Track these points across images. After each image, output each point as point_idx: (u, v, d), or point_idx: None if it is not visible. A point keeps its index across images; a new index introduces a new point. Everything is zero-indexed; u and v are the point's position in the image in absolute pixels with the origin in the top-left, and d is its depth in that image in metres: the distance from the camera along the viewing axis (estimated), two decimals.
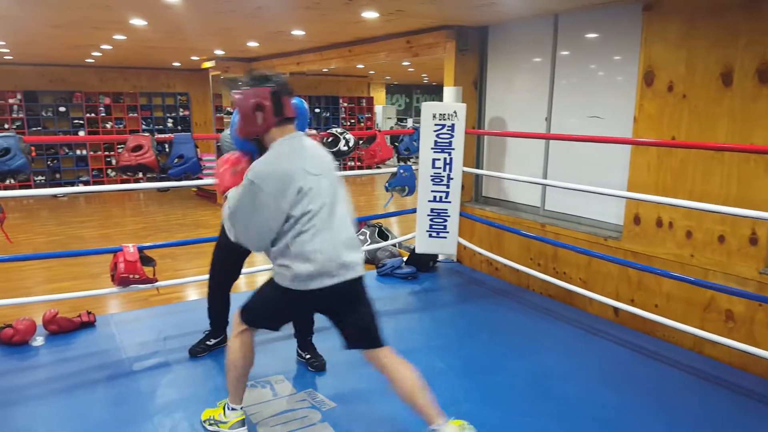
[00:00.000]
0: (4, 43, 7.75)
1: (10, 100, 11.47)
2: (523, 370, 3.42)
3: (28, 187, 11.24)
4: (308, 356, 3.43)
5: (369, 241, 6.78)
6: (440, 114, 4.70)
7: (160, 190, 11.07)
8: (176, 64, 11.56)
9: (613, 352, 3.73)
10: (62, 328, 3.83)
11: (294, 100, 2.54)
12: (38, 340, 3.72)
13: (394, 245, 6.52)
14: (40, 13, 5.22)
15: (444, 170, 4.76)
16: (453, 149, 4.70)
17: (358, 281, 2.51)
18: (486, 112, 5.56)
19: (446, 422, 2.40)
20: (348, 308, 2.52)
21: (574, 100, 4.72)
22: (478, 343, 3.83)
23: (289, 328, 3.81)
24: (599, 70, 4.55)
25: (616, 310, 4.14)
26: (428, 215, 4.92)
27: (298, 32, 6.33)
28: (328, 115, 15.16)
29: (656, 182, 3.87)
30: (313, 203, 2.31)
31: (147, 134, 3.84)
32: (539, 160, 5.00)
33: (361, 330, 2.55)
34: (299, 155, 2.36)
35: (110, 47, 8.18)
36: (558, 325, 4.17)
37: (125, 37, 6.96)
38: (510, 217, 5.08)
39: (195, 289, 5.15)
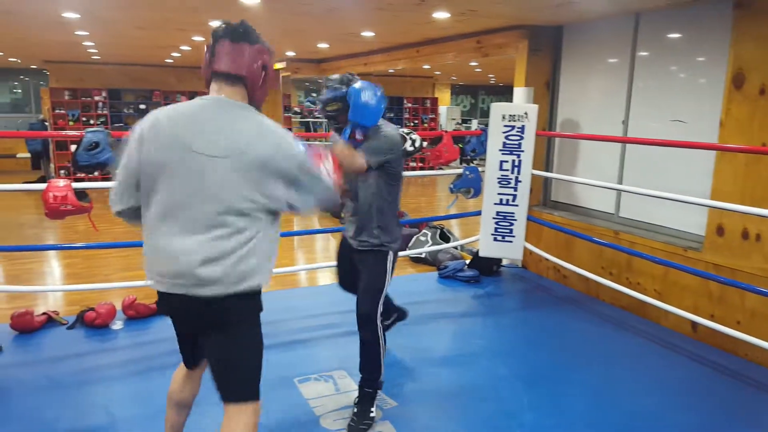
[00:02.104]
0: (93, 43, 8.21)
1: (96, 98, 12.15)
2: (590, 381, 3.32)
3: (110, 179, 11.89)
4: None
5: (430, 242, 6.76)
6: (510, 115, 4.62)
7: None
8: None
9: (690, 369, 3.55)
10: (140, 314, 4.02)
11: (350, 87, 2.56)
12: (117, 324, 3.91)
13: (455, 248, 6.47)
14: (130, 15, 5.50)
15: (512, 172, 4.68)
16: (522, 151, 4.62)
17: (213, 303, 1.80)
18: (558, 113, 5.43)
19: None
20: (205, 333, 1.92)
21: (654, 103, 4.53)
22: (544, 351, 3.74)
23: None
24: (681, 71, 4.36)
25: (694, 324, 3.94)
26: (494, 218, 4.85)
27: (367, 33, 6.39)
28: (392, 115, 15.22)
29: (743, 191, 3.65)
30: (162, 188, 1.77)
31: None
32: (614, 165, 4.83)
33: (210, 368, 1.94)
34: (189, 121, 1.79)
35: (189, 48, 8.52)
36: (629, 338, 4.01)
37: (203, 39, 7.23)
38: (581, 222, 4.93)
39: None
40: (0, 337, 3.61)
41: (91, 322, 3.87)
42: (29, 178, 11.46)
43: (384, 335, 2.84)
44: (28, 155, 12.37)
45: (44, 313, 3.94)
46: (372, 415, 2.80)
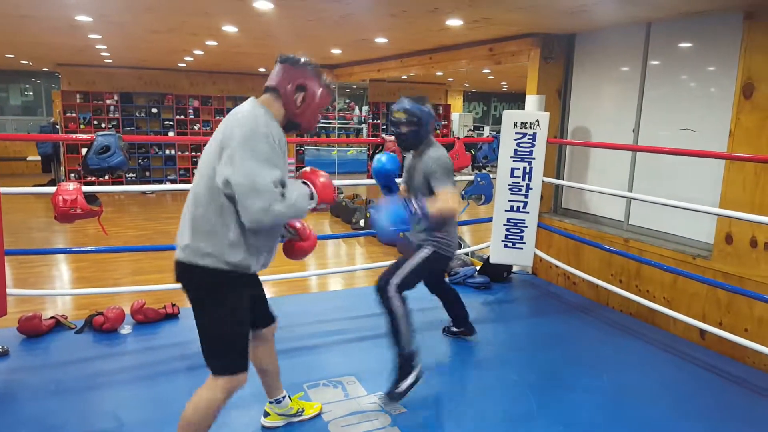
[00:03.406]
0: (105, 46, 8.29)
1: (108, 101, 12.25)
2: (599, 388, 3.30)
3: (120, 183, 11.97)
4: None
5: None
6: (522, 122, 4.62)
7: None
8: (262, 69, 11.96)
9: (698, 377, 3.53)
10: (148, 318, 4.03)
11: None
12: (126, 329, 3.93)
13: (466, 254, 6.46)
14: (143, 19, 5.55)
15: (523, 180, 4.68)
16: (534, 158, 4.61)
17: (180, 267, 2.13)
18: (569, 121, 5.43)
19: None
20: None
21: (665, 112, 4.52)
22: (554, 357, 3.72)
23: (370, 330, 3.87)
24: (692, 81, 4.35)
25: (702, 332, 3.92)
26: (504, 225, 4.85)
27: (381, 40, 6.42)
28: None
29: (752, 200, 3.64)
30: None
31: None
32: (624, 173, 4.82)
33: None
34: None
35: (201, 53, 8.58)
36: (638, 345, 4.00)
37: (216, 43, 7.29)
38: (591, 230, 4.91)
39: (270, 287, 5.29)
40: (7, 341, 3.61)
41: (100, 327, 3.87)
42: (39, 181, 11.58)
43: (403, 307, 2.96)
44: (39, 158, 12.49)
45: (52, 317, 3.95)
46: (403, 387, 2.96)
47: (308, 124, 2.23)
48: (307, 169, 2.33)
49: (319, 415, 2.90)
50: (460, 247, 5.78)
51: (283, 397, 2.77)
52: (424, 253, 3.13)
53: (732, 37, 3.85)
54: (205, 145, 2.18)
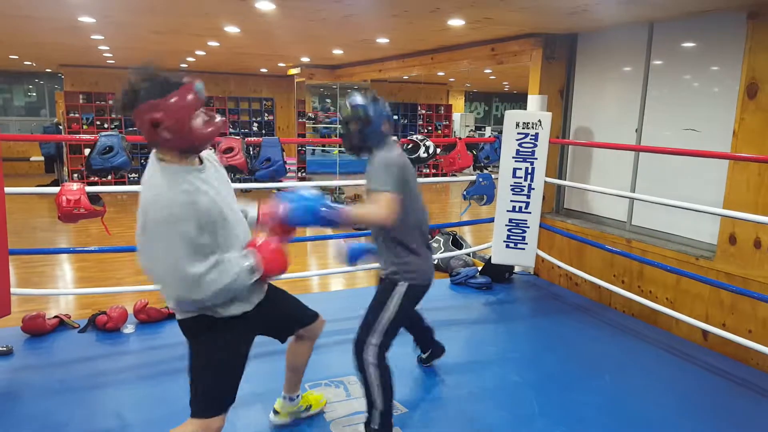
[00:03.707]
0: (108, 47, 8.30)
1: (110, 101, 12.26)
2: (601, 389, 3.30)
3: (123, 183, 11.99)
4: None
5: (443, 249, 6.75)
6: (524, 123, 4.62)
7: (243, 190, 11.49)
8: (263, 70, 11.98)
9: (700, 378, 3.52)
10: (151, 318, 4.04)
11: None
12: (129, 328, 3.94)
13: (468, 254, 6.45)
14: (146, 20, 5.56)
15: (525, 180, 4.68)
16: (536, 159, 4.61)
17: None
18: (572, 121, 5.42)
19: None
20: None
21: (668, 112, 4.51)
22: (556, 358, 3.72)
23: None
24: (695, 80, 4.34)
25: (705, 333, 3.92)
26: (506, 225, 4.84)
27: (382, 40, 6.42)
28: (406, 122, 15.24)
29: (756, 201, 3.63)
30: None
31: (238, 137, 4.00)
32: (627, 173, 4.81)
33: None
34: None
35: (204, 53, 8.59)
36: (641, 346, 3.99)
37: (218, 44, 7.29)
38: (593, 230, 4.91)
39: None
40: (11, 340, 3.63)
41: (103, 326, 3.89)
42: (43, 181, 11.59)
43: (381, 377, 2.60)
44: (42, 158, 12.50)
45: (56, 316, 3.97)
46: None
47: (199, 139, 1.92)
48: (259, 238, 2.12)
49: (321, 411, 2.92)
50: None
51: (297, 396, 2.79)
52: (399, 292, 2.63)
53: (736, 36, 3.84)
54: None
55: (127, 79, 1.89)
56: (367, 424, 2.67)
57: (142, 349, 3.68)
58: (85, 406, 2.96)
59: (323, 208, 2.26)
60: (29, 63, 11.76)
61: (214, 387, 2.14)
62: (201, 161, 2.04)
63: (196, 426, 2.11)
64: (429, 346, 3.43)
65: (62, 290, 5.34)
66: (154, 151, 1.97)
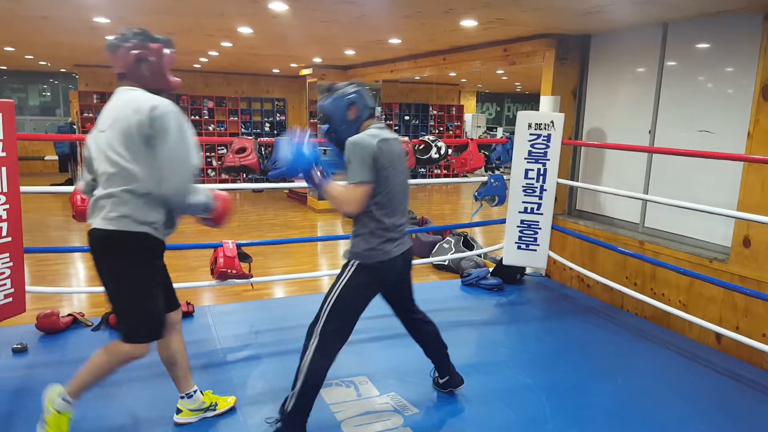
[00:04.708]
0: None
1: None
2: (613, 392, 3.28)
3: None
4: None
5: (453, 249, 6.74)
6: (536, 123, 4.60)
7: (254, 190, 11.55)
8: (276, 70, 12.03)
9: (714, 381, 3.50)
10: None
11: None
12: None
13: (479, 255, 6.44)
14: (160, 20, 5.61)
15: (537, 181, 4.66)
16: (548, 160, 4.59)
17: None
18: (584, 122, 5.40)
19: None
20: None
21: (681, 113, 4.48)
22: (567, 360, 3.70)
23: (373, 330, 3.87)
24: (709, 82, 4.31)
25: (718, 336, 3.88)
26: (518, 226, 4.83)
27: (394, 40, 6.42)
28: (417, 122, 15.23)
29: None
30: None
31: (251, 137, 4.02)
32: (640, 175, 4.78)
33: None
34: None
35: (217, 53, 8.64)
36: (653, 349, 3.96)
37: (231, 44, 7.33)
38: (605, 232, 4.88)
39: (283, 287, 5.32)
40: (26, 338, 3.67)
41: (116, 324, 3.92)
42: (57, 180, 11.71)
43: (313, 362, 2.51)
44: (56, 158, 12.62)
45: (70, 315, 4.00)
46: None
47: (166, 85, 2.41)
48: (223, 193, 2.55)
49: (233, 408, 2.88)
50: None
51: (195, 392, 2.77)
52: (347, 271, 2.56)
53: (751, 37, 3.81)
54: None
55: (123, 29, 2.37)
56: (283, 404, 2.60)
57: (155, 347, 3.67)
58: (98, 403, 2.98)
59: (312, 172, 2.41)
60: (44, 63, 11.88)
61: (134, 309, 2.41)
62: None
63: (129, 349, 2.40)
64: (446, 372, 3.11)
65: (76, 288, 5.39)
66: (127, 87, 2.36)
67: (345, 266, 2.59)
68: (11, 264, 3.08)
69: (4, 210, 2.99)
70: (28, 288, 3.38)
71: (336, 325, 2.54)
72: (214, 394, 2.90)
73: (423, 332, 3.01)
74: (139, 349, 2.40)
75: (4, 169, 2.96)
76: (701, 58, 4.35)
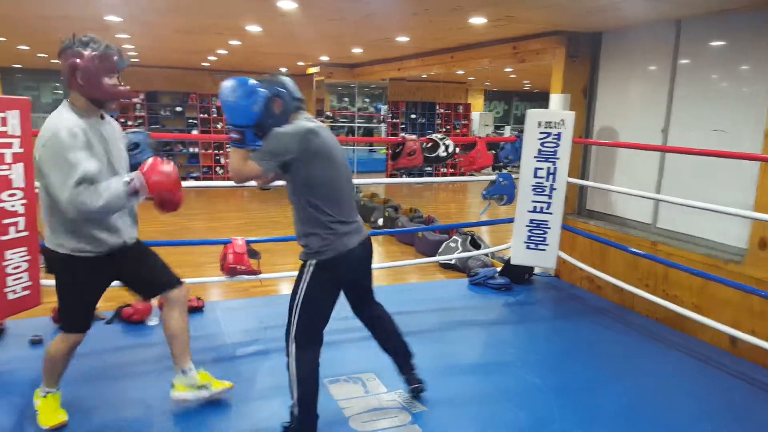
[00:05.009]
0: (133, 46, 8.40)
1: (134, 100, 12.43)
2: (623, 393, 3.24)
3: None
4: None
5: (460, 249, 6.72)
6: (546, 122, 4.57)
7: (261, 188, 11.56)
8: (283, 69, 12.03)
9: (727, 385, 3.45)
10: None
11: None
12: (153, 320, 3.97)
13: (486, 255, 6.42)
14: (172, 19, 5.62)
15: (547, 180, 4.62)
16: (558, 159, 4.56)
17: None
18: (595, 121, 5.35)
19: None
20: None
21: (695, 112, 4.43)
22: (577, 361, 3.67)
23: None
24: (724, 80, 4.26)
25: (733, 339, 3.83)
26: (527, 226, 4.79)
27: (402, 38, 6.40)
28: (424, 121, 15.21)
29: None
30: None
31: None
32: (653, 174, 4.74)
33: None
34: None
35: (225, 52, 8.65)
36: (664, 351, 3.92)
37: (240, 43, 7.34)
38: (616, 232, 4.84)
39: (291, 284, 5.30)
40: (42, 330, 3.70)
41: (129, 318, 3.95)
42: None
43: (299, 368, 2.50)
44: None
45: None
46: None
47: (102, 94, 2.43)
48: (148, 161, 2.44)
49: (227, 390, 2.90)
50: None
51: (190, 369, 2.82)
52: (306, 272, 2.53)
53: (767, 35, 3.76)
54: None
55: (72, 33, 2.40)
56: (291, 414, 2.58)
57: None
58: (111, 394, 3.01)
59: (233, 130, 2.44)
60: (56, 61, 11.93)
61: (67, 307, 2.63)
62: (103, 117, 2.53)
63: (62, 338, 2.64)
64: (404, 371, 3.00)
65: None
66: (67, 99, 2.44)
67: (303, 267, 2.55)
68: (29, 258, 3.11)
69: (21, 205, 3.01)
70: (42, 281, 3.39)
71: (308, 327, 2.53)
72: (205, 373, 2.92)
73: (382, 328, 2.95)
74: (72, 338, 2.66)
75: (21, 165, 2.99)
76: (716, 56, 4.30)
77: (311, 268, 2.51)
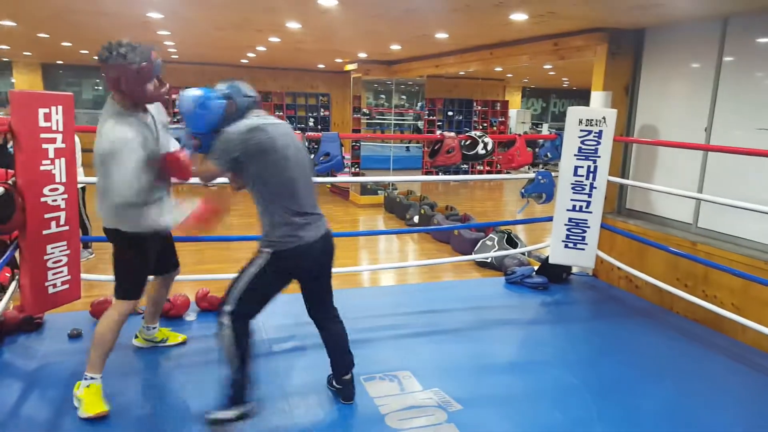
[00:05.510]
0: (173, 42, 8.57)
1: (173, 96, 12.65)
2: (663, 395, 3.19)
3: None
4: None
5: (497, 247, 6.68)
6: (587, 120, 4.50)
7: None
8: (321, 66, 12.12)
9: None
10: (212, 306, 4.14)
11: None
12: (191, 315, 4.05)
13: (523, 253, 6.36)
14: (212, 15, 5.72)
15: (587, 178, 4.56)
16: (599, 157, 4.49)
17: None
18: (637, 119, 5.25)
19: None
20: None
21: (740, 111, 4.31)
22: (615, 362, 3.62)
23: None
24: None
25: None
26: (566, 225, 4.74)
27: (441, 35, 6.38)
28: (461, 118, 15.12)
29: None
30: None
31: (298, 132, 4.05)
32: (695, 173, 4.63)
33: None
34: None
35: (264, 49, 8.76)
36: (704, 352, 3.84)
37: (279, 40, 7.42)
38: (656, 232, 4.75)
39: None
40: (81, 324, 3.77)
41: (166, 313, 4.00)
42: None
43: (235, 342, 2.54)
44: None
45: None
46: (219, 416, 2.57)
47: (144, 100, 2.69)
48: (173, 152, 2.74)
49: (183, 343, 3.49)
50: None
51: (154, 327, 3.43)
52: (259, 260, 2.57)
53: None
54: None
55: (110, 41, 2.59)
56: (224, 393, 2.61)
57: (203, 336, 3.77)
58: (150, 388, 3.08)
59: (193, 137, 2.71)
60: (97, 58, 12.27)
61: (124, 275, 2.87)
62: (146, 110, 2.75)
63: (117, 306, 2.85)
64: (339, 381, 2.96)
65: None
66: (111, 97, 2.67)
67: (258, 254, 2.60)
68: (68, 252, 3.19)
69: (62, 200, 3.08)
70: (82, 276, 3.49)
71: (249, 309, 2.60)
72: (171, 331, 3.55)
73: (333, 333, 2.92)
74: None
75: (63, 160, 3.06)
76: (762, 54, 4.17)
77: (267, 257, 2.57)
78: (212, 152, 2.55)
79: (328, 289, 2.91)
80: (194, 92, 2.60)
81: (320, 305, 2.91)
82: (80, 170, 4.75)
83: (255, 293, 2.59)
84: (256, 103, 2.65)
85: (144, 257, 2.88)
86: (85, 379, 2.76)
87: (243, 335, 2.58)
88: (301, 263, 2.63)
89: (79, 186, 4.10)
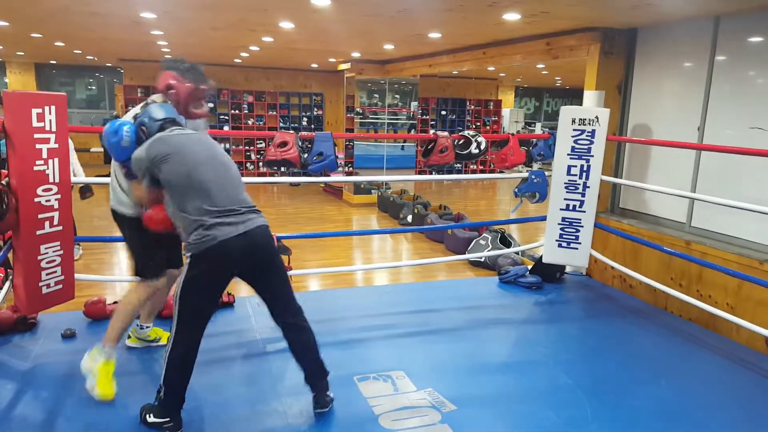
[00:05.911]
0: (167, 42, 8.54)
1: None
2: (657, 395, 3.20)
3: None
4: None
5: (490, 246, 6.68)
6: (580, 119, 4.51)
7: (291, 184, 11.67)
8: (314, 65, 12.10)
9: (763, 386, 3.38)
10: None
11: None
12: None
13: (517, 253, 6.37)
14: (206, 16, 5.70)
15: (580, 178, 4.57)
16: (592, 156, 4.50)
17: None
18: (630, 118, 5.27)
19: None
20: None
21: (732, 110, 4.33)
22: (609, 362, 3.63)
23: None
24: (762, 77, 4.15)
25: None
26: (559, 224, 4.74)
27: (435, 34, 6.38)
28: (454, 117, 15.12)
29: None
30: None
31: (292, 132, 4.04)
32: (688, 173, 4.64)
33: None
34: None
35: (258, 48, 8.74)
36: (698, 352, 3.85)
37: (272, 39, 7.40)
38: (650, 231, 4.76)
39: (319, 280, 5.35)
40: (75, 324, 3.76)
41: (160, 313, 3.98)
42: (102, 171, 11.96)
43: (171, 352, 2.56)
44: (102, 150, 12.96)
45: (116, 302, 4.08)
46: (148, 419, 2.63)
47: (185, 115, 2.90)
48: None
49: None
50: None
51: (148, 327, 3.45)
52: (185, 266, 2.58)
53: None
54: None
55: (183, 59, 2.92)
56: (157, 395, 2.65)
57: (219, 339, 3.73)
58: (142, 388, 3.05)
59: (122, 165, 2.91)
60: (91, 57, 12.21)
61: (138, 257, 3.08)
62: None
63: (140, 285, 3.02)
64: (314, 388, 2.83)
65: (119, 277, 5.54)
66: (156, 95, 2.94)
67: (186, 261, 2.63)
68: (62, 252, 3.17)
69: (55, 200, 3.07)
70: (76, 276, 3.47)
71: (186, 319, 2.57)
72: (164, 331, 3.51)
73: (297, 339, 2.81)
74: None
75: (56, 160, 3.04)
76: (754, 53, 4.19)
77: (188, 260, 2.57)
78: (137, 173, 2.75)
79: (281, 289, 2.80)
80: (108, 126, 2.86)
81: (276, 307, 2.80)
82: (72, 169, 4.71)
83: (188, 302, 2.55)
84: (171, 122, 2.78)
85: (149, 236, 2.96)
86: (102, 352, 2.86)
87: (182, 349, 2.59)
88: (222, 262, 2.55)
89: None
